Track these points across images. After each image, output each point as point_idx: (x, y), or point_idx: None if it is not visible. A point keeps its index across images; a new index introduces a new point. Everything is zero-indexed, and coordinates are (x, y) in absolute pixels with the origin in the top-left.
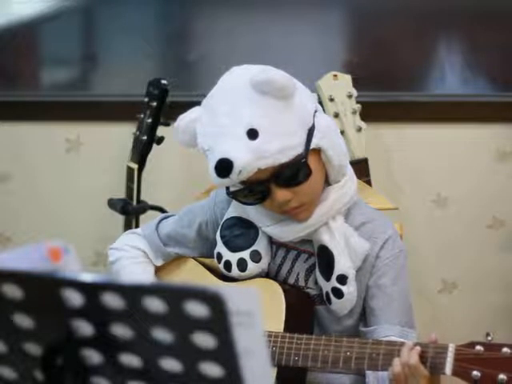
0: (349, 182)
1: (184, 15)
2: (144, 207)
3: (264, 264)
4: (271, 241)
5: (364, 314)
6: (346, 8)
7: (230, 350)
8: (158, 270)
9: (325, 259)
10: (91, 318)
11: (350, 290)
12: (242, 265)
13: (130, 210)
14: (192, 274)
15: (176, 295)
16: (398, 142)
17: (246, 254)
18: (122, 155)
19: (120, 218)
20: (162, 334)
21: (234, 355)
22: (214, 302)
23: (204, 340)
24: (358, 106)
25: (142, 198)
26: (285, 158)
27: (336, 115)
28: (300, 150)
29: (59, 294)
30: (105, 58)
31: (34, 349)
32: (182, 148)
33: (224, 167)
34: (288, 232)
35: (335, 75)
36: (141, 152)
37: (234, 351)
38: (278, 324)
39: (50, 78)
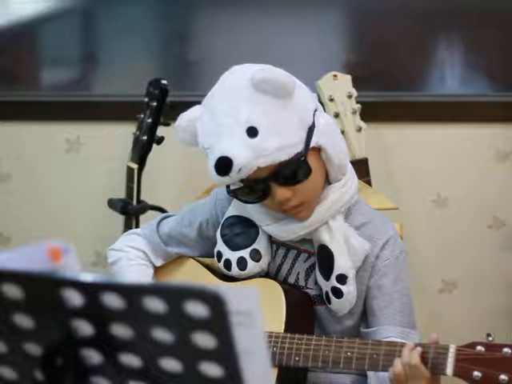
0: (349, 181)
1: (184, 15)
2: (144, 207)
3: (264, 263)
4: (271, 240)
5: (365, 315)
6: (346, 8)
7: (229, 350)
8: (158, 270)
9: (324, 259)
10: (91, 318)
11: (349, 289)
12: (241, 263)
13: (130, 209)
14: (192, 275)
15: (176, 295)
16: (398, 142)
17: (246, 253)
18: (122, 155)
19: (120, 218)
20: (162, 334)
21: (234, 355)
22: (214, 301)
23: (204, 340)
24: (358, 106)
25: (142, 197)
26: (284, 156)
27: (336, 115)
28: (300, 148)
29: (59, 294)
30: (105, 58)
31: (33, 349)
32: (182, 148)
33: (224, 165)
34: (288, 231)
35: (335, 75)
36: (141, 152)
37: (234, 351)
38: (278, 324)
39: (49, 78)
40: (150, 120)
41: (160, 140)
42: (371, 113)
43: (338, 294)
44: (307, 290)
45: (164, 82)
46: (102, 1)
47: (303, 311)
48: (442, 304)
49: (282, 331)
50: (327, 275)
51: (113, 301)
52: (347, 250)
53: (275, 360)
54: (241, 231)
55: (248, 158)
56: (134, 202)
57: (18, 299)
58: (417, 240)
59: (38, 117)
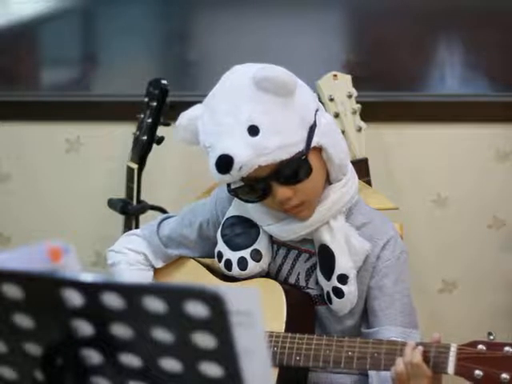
0: (350, 181)
1: (184, 15)
2: (144, 207)
3: (264, 263)
4: (272, 240)
5: (366, 315)
6: (346, 8)
7: (230, 349)
8: (158, 270)
9: (325, 259)
10: (91, 318)
11: (350, 289)
12: (242, 263)
13: (130, 209)
14: (192, 275)
15: (176, 295)
16: (398, 142)
17: (246, 253)
18: (122, 155)
19: (120, 218)
20: (162, 334)
21: (234, 355)
22: (214, 301)
23: (204, 340)
24: (358, 106)
25: (142, 197)
26: (285, 155)
27: (336, 115)
28: (301, 147)
29: (59, 294)
30: (105, 58)
31: (33, 349)
32: (182, 148)
33: (224, 163)
34: (289, 231)
35: (335, 75)
36: (141, 152)
37: (234, 351)
38: (279, 324)
39: (49, 77)
40: (150, 120)
41: (160, 140)
42: (371, 113)
43: (339, 293)
44: (308, 290)
45: (164, 82)
46: (102, 1)
47: (304, 311)
48: (442, 304)
49: (283, 331)
50: (328, 275)
51: (113, 301)
52: (348, 250)
53: (276, 360)
54: (241, 231)
55: (249, 156)
56: (134, 202)
57: (18, 299)
58: (417, 240)
59: (38, 117)
